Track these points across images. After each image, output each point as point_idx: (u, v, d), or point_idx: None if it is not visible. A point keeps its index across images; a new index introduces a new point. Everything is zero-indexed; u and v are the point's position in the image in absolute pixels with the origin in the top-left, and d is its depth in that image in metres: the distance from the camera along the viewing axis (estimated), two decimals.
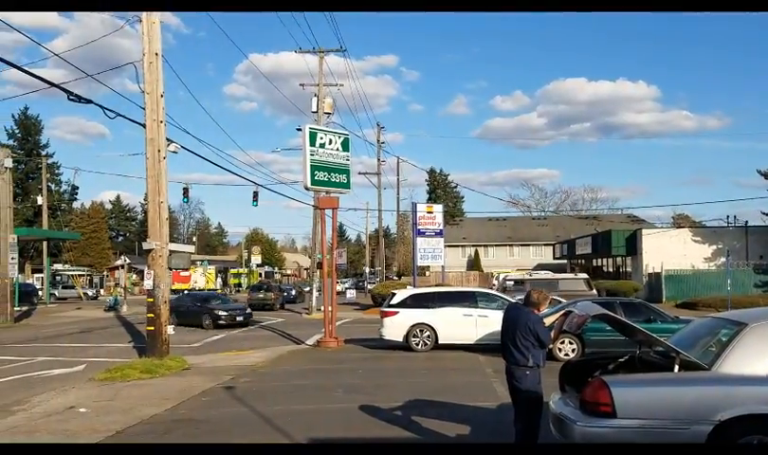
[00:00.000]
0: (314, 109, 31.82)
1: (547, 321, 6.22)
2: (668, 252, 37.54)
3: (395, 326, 16.35)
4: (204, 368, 14.00)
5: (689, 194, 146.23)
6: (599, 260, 48.36)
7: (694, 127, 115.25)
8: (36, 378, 13.02)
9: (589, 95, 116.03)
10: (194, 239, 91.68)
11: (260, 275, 75.78)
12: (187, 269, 57.62)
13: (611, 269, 46.11)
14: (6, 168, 30.36)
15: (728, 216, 47.12)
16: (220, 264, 74.56)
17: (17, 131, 63.45)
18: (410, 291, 18.47)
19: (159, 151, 14.38)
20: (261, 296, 36.43)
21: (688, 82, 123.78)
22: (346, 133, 19.23)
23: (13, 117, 63.61)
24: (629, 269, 42.06)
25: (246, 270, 71.90)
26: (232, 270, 74.06)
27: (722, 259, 33.54)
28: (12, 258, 29.98)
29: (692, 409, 5.06)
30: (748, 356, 5.18)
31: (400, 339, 16.26)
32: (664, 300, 34.42)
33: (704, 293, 33.25)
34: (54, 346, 19.06)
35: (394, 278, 57.99)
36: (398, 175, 47.61)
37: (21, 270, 41.86)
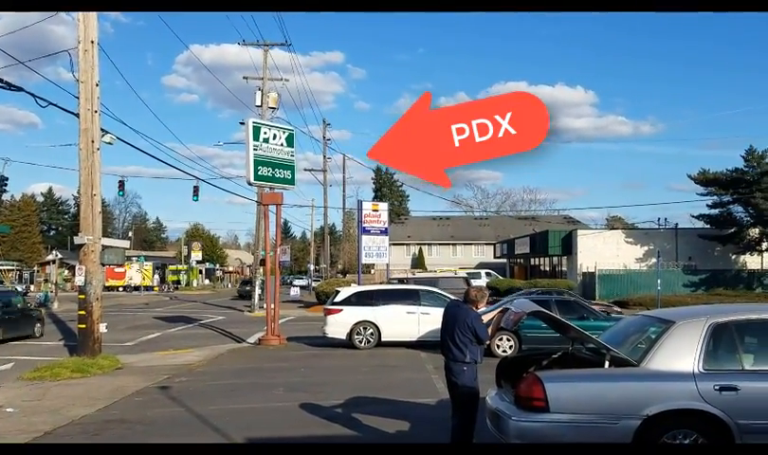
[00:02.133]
0: (258, 103, 31.31)
1: (485, 319, 6.35)
2: (602, 253, 38.93)
3: (339, 324, 16.34)
4: (138, 367, 13.59)
5: (623, 197, 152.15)
6: (537, 259, 49.65)
7: (629, 132, 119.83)
8: None
9: None
10: (130, 234, 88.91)
11: (200, 272, 74.17)
12: (121, 265, 56.07)
13: (547, 268, 47.42)
14: None
15: (659, 219, 49.36)
16: (158, 261, 72.41)
17: None
18: (354, 289, 18.48)
19: (93, 142, 13.85)
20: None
21: (624, 89, 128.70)
22: (291, 128, 19.02)
23: None
24: (564, 268, 43.36)
25: (185, 267, 70.17)
26: (171, 267, 72.10)
27: (653, 259, 35.03)
28: None
29: (621, 404, 5.26)
30: (675, 353, 5.42)
31: (343, 337, 16.24)
32: (597, 298, 35.64)
33: (636, 292, 34.67)
34: None
35: (339, 276, 57.88)
36: (344, 173, 47.58)
37: None
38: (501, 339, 14.40)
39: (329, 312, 16.71)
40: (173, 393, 10.39)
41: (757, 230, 36.83)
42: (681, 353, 5.41)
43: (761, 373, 5.40)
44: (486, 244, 64.96)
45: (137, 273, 62.57)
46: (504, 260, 58.38)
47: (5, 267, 58.94)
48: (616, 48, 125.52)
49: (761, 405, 5.21)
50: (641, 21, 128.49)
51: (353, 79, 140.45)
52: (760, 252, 37.66)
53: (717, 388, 5.20)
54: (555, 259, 45.45)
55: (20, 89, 11.69)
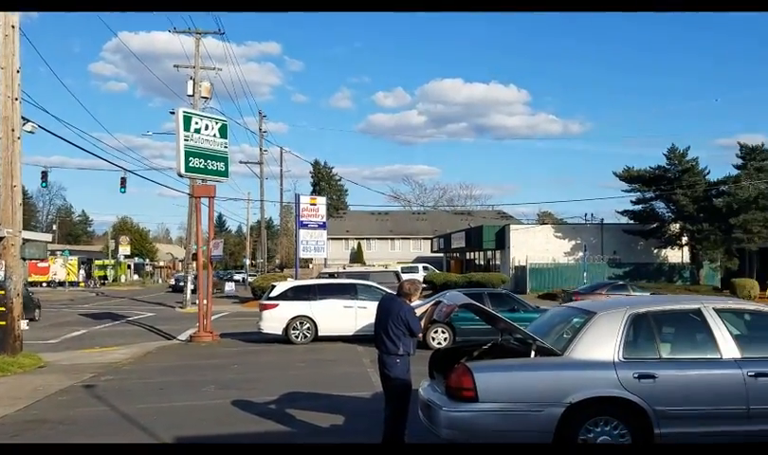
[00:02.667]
0: (189, 92, 30.43)
1: (418, 312, 6.44)
2: (533, 247, 40.19)
3: (275, 319, 16.15)
4: (62, 366, 13.02)
5: (554, 193, 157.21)
6: (472, 253, 50.71)
7: (559, 130, 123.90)
8: None
9: (465, 96, 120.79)
10: (55, 227, 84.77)
11: (128, 267, 71.63)
12: (44, 260, 53.34)
13: (482, 262, 48.51)
14: None
15: (586, 214, 51.32)
16: (84, 255, 69.35)
17: None
18: (290, 283, 18.30)
19: (14, 130, 13.13)
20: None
21: (555, 89, 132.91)
22: (224, 119, 18.57)
23: None
24: (498, 262, 44.48)
25: (113, 262, 67.57)
26: (97, 261, 69.21)
27: (581, 253, 36.55)
28: None
29: (546, 393, 5.45)
30: (596, 343, 5.65)
31: (279, 332, 16.07)
32: (528, 290, 36.82)
33: (564, 285, 35.99)
34: None
35: (277, 270, 57.15)
36: (281, 166, 46.99)
37: None
38: (436, 332, 14.63)
39: (264, 307, 16.48)
40: (99, 392, 10.02)
41: (677, 225, 38.94)
42: (602, 342, 5.64)
43: (677, 362, 5.70)
44: (424, 238, 65.80)
45: (62, 268, 59.77)
46: (441, 254, 59.32)
47: None
48: (548, 49, 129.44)
49: (677, 392, 5.48)
50: (570, 22, 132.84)
51: (290, 71, 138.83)
52: (681, 246, 39.87)
53: (636, 376, 5.45)
54: (489, 253, 46.55)
55: None
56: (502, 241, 42.75)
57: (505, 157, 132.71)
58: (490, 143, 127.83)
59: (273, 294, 16.67)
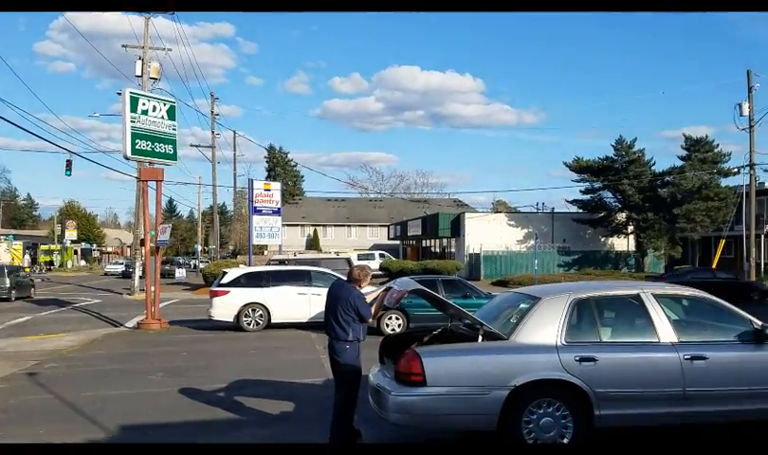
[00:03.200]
0: (138, 73, 29.54)
1: (369, 298, 6.44)
2: (487, 235, 40.77)
3: (226, 306, 15.95)
4: (4, 353, 12.60)
5: (508, 182, 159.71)
6: (428, 240, 51.11)
7: (513, 120, 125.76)
8: None
9: (421, 84, 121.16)
10: None
11: (75, 252, 69.44)
12: None
13: (438, 250, 48.96)
14: None
15: (538, 203, 52.35)
16: (29, 240, 66.90)
17: None
18: (243, 270, 18.08)
19: None
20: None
21: (510, 79, 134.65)
22: (172, 100, 18.11)
23: None
24: (453, 250, 44.98)
25: (59, 247, 65.37)
26: (43, 246, 66.91)
27: (532, 241, 37.22)
28: None
29: (492, 376, 5.55)
30: (540, 327, 5.78)
31: (231, 320, 15.89)
32: (482, 277, 37.39)
33: (516, 272, 36.74)
34: None
35: (230, 257, 56.34)
36: (234, 150, 46.20)
37: None
38: (390, 318, 14.72)
39: (215, 294, 16.25)
40: (42, 380, 9.72)
41: (624, 215, 40.15)
42: (545, 326, 5.78)
43: (617, 345, 5.89)
44: (381, 225, 65.90)
45: (6, 253, 57.45)
46: (398, 241, 59.57)
47: None
48: (502, 38, 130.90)
49: (616, 374, 5.66)
50: (525, 16, 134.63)
51: (244, 53, 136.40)
52: (627, 235, 41.17)
53: (577, 359, 5.60)
54: (444, 240, 47.01)
55: None
56: (457, 229, 43.21)
57: (461, 146, 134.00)
58: (446, 132, 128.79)
59: (225, 280, 16.44)
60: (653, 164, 39.74)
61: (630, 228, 40.36)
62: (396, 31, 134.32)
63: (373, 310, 6.44)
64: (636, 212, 38.52)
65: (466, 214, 44.82)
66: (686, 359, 5.74)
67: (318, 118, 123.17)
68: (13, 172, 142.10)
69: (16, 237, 62.93)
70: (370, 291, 6.64)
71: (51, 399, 8.46)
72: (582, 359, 5.61)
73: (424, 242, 52.39)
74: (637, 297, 6.15)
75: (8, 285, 26.53)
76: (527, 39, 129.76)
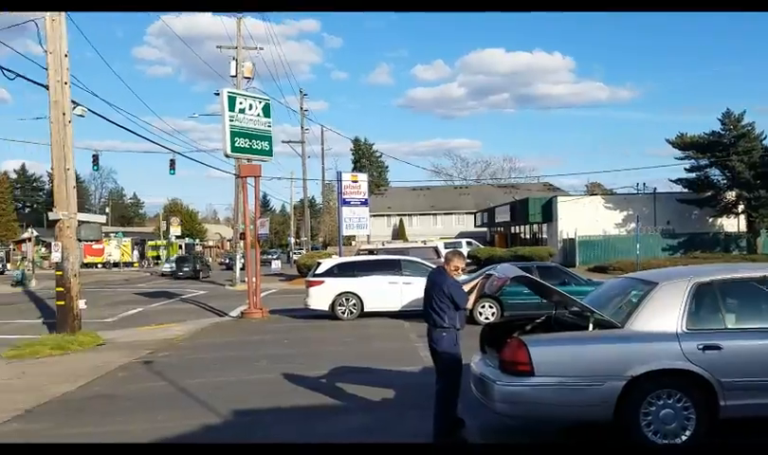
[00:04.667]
0: (233, 73, 30.73)
1: (468, 286, 6.33)
2: (582, 219, 39.26)
3: (321, 296, 16.29)
4: (120, 343, 13.46)
5: (602, 163, 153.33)
6: (517, 227, 49.99)
7: (607, 98, 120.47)
8: None
9: (507, 66, 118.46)
10: (107, 210, 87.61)
11: (180, 247, 73.55)
12: (98, 241, 55.26)
13: (528, 236, 47.80)
14: None
15: (638, 184, 49.83)
16: (137, 237, 71.60)
17: None
18: (335, 260, 18.41)
19: (64, 114, 13.47)
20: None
21: (602, 55, 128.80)
22: (267, 98, 18.66)
23: None
24: (545, 236, 43.74)
25: (164, 242, 69.46)
26: (150, 242, 71.36)
27: (632, 224, 35.50)
28: None
29: (606, 366, 5.28)
30: (658, 314, 5.43)
31: (326, 308, 16.22)
32: (578, 264, 36.08)
33: (615, 257, 35.10)
34: None
35: (320, 248, 57.75)
36: (323, 144, 47.12)
37: None
38: (483, 307, 14.48)
39: (311, 284, 16.64)
40: (157, 368, 10.30)
41: (733, 193, 37.44)
42: (664, 313, 5.43)
43: (744, 332, 5.45)
44: (467, 213, 65.22)
45: (116, 249, 61.87)
46: (485, 229, 58.74)
47: None
48: (593, 15, 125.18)
49: (744, 362, 5.26)
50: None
51: (329, 48, 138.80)
52: (737, 215, 38.35)
53: (700, 347, 5.23)
54: (535, 226, 45.80)
55: None
56: (549, 213, 41.94)
57: (550, 128, 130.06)
58: (534, 113, 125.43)
59: (319, 271, 16.81)
60: (765, 138, 36.79)
61: (741, 208, 37.58)
62: (477, 15, 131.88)
63: (471, 298, 6.32)
64: (747, 190, 35.83)
65: (559, 198, 43.41)
66: None
67: (401, 107, 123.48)
68: (120, 172, 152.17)
69: (125, 234, 67.52)
70: (465, 280, 6.53)
71: (167, 386, 8.95)
72: (706, 347, 5.23)
73: (513, 228, 51.31)
74: (764, 279, 5.67)
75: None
76: (616, 13, 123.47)
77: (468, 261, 35.40)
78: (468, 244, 46.62)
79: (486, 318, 14.18)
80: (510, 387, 5.40)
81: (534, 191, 59.60)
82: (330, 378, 8.97)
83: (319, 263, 17.59)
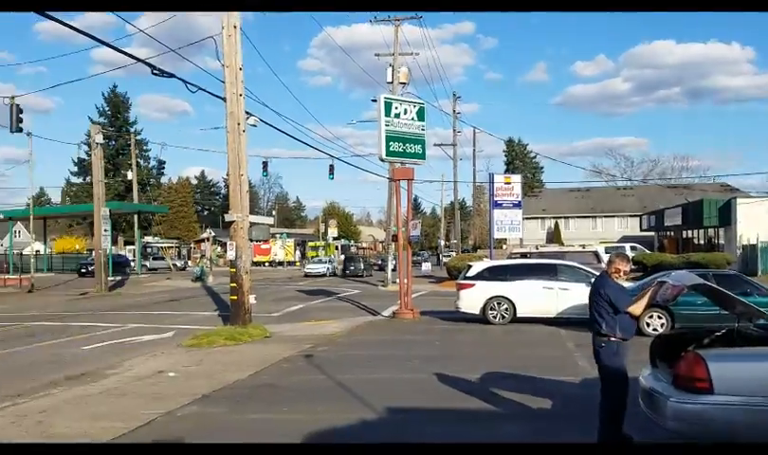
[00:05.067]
0: (389, 79, 31.63)
1: (641, 297, 5.87)
2: (765, 222, 34.98)
3: (472, 299, 16.12)
4: (284, 336, 14.35)
5: None
6: (690, 231, 45.82)
7: None
8: (128, 344, 13.74)
9: (678, 58, 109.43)
10: (274, 212, 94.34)
11: (336, 248, 77.20)
12: (267, 241, 59.76)
13: (702, 241, 43.58)
14: (97, 144, 32.13)
15: None
16: (298, 238, 76.38)
17: (107, 108, 67.09)
18: (486, 263, 18.15)
19: (239, 124, 14.68)
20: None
21: None
22: (421, 102, 19.01)
23: (103, 95, 67.37)
24: (721, 241, 39.61)
25: (322, 243, 73.32)
26: (310, 243, 75.69)
27: None
28: (105, 230, 31.75)
29: None
30: None
31: (477, 312, 16.02)
32: (759, 273, 32.17)
33: None
34: (145, 313, 20.12)
35: (470, 251, 57.43)
36: (474, 146, 46.81)
37: (114, 242, 44.45)
38: (651, 317, 13.39)
39: (462, 286, 16.54)
40: (317, 362, 10.83)
41: None
42: None
43: None
44: (631, 215, 61.00)
45: (281, 249, 66.42)
46: (652, 233, 54.56)
47: (165, 245, 65.28)
48: None
49: None
50: None
51: (483, 49, 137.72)
52: None
53: None
54: (710, 231, 41.67)
55: (172, 75, 12.62)
56: (726, 216, 37.91)
57: (727, 123, 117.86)
58: (709, 108, 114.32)
59: (470, 274, 16.64)
60: None
61: None
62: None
63: (641, 305, 5.84)
64: None
65: (738, 199, 39.05)
66: None
67: (558, 105, 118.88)
68: (284, 177, 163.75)
69: (288, 235, 72.33)
70: (638, 287, 6.06)
71: (325, 379, 9.37)
72: None
73: (684, 232, 47.10)
74: None
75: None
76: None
77: (633, 266, 33.07)
78: (633, 249, 43.50)
79: (654, 329, 13.10)
80: (685, 404, 4.93)
81: (709, 192, 54.21)
82: (483, 382, 8.83)
83: (469, 266, 17.43)
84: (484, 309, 15.88)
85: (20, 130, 21.62)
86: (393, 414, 7.34)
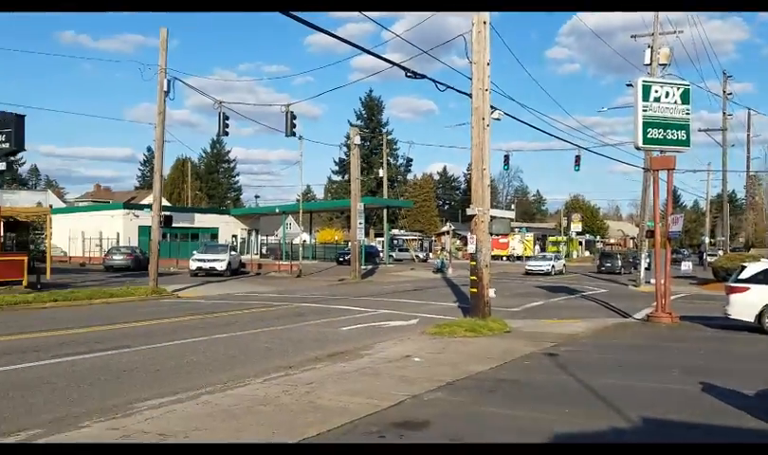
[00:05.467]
0: (646, 62, 29.26)
1: None
2: None
3: (745, 304, 14.20)
4: (523, 332, 14.09)
5: None
6: None
7: None
8: (378, 328, 14.79)
9: None
10: (513, 206, 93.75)
11: (580, 243, 73.79)
12: (506, 235, 59.69)
13: None
14: (356, 145, 35.38)
15: None
16: (538, 232, 74.76)
17: (363, 112, 73.74)
18: (764, 265, 15.66)
19: (483, 119, 14.77)
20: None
21: None
22: (686, 83, 17.05)
23: (360, 99, 74.27)
24: None
25: (564, 238, 70.64)
26: (551, 238, 73.50)
27: None
28: (360, 223, 34.95)
29: None
30: None
31: (751, 320, 14.05)
32: None
33: None
34: (392, 300, 21.50)
35: (741, 250, 50.11)
36: (748, 131, 40.77)
37: (366, 234, 48.46)
38: None
39: (732, 290, 14.57)
40: (560, 361, 10.39)
41: None
42: None
43: None
44: None
45: (519, 243, 65.77)
46: None
47: (409, 237, 69.18)
48: None
49: None
50: None
51: (760, 21, 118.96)
52: None
53: None
54: None
55: (423, 76, 13.17)
56: None
57: None
58: None
59: (743, 276, 14.68)
60: None
61: None
62: None
63: None
64: None
65: None
66: None
67: None
68: (525, 171, 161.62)
69: (528, 229, 71.20)
70: None
71: (570, 381, 8.90)
72: None
73: None
74: None
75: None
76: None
77: None
78: None
79: None
80: None
81: None
82: (762, 400, 7.57)
83: (743, 267, 15.28)
84: (760, 316, 13.97)
85: (293, 134, 24.65)
86: (647, 425, 6.65)
